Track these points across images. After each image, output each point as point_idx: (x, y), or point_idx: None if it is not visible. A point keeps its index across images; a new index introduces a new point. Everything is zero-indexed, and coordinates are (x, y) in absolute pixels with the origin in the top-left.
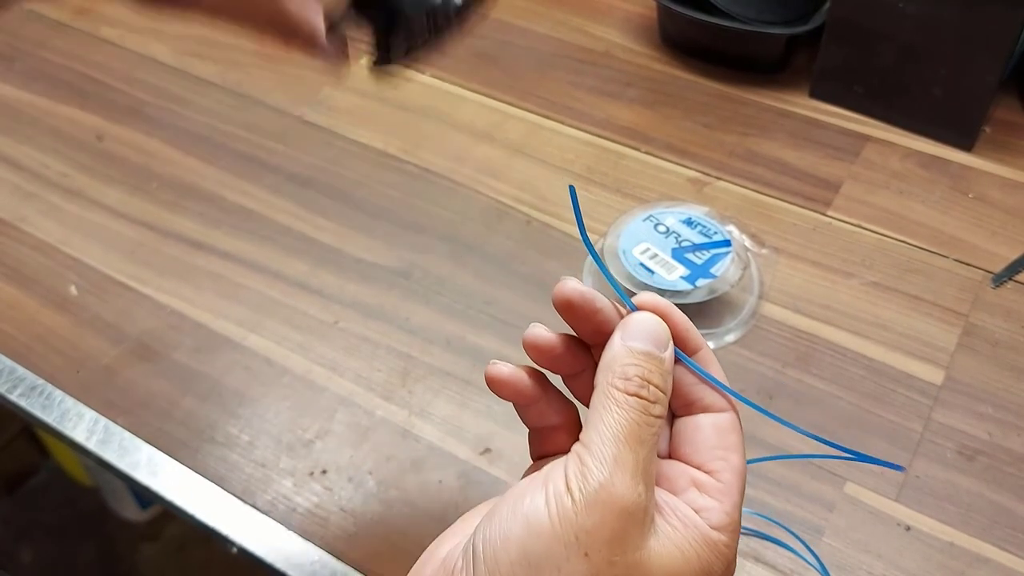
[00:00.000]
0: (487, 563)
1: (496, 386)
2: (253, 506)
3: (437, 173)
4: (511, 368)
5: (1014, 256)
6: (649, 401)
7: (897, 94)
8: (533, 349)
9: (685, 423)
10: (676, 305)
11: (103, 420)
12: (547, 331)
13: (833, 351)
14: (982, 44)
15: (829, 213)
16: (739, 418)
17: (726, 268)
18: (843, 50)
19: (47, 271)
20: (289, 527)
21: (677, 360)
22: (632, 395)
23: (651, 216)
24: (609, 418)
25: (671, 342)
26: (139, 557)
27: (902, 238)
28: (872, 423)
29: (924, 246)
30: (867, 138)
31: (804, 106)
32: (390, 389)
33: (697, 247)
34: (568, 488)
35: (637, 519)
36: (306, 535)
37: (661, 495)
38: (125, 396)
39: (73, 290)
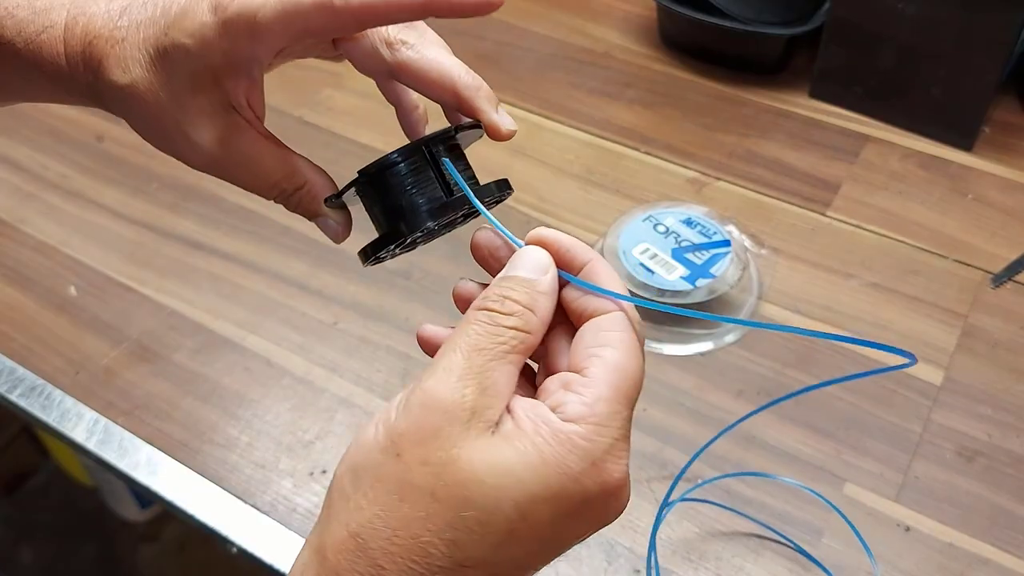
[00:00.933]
0: (334, 482)
1: (424, 345)
2: (253, 506)
3: None
4: (439, 328)
5: (1013, 256)
6: (500, 312)
7: (897, 94)
8: (461, 300)
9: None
10: (676, 305)
11: (103, 420)
12: (473, 283)
13: (833, 351)
14: (981, 45)
15: (829, 213)
16: (628, 317)
17: (726, 268)
18: (843, 50)
19: (47, 272)
20: (289, 527)
21: (565, 282)
22: (480, 309)
23: (651, 216)
24: (454, 336)
25: (551, 266)
26: (139, 557)
27: (902, 238)
28: (872, 424)
29: (924, 247)
30: (867, 138)
31: (804, 106)
32: (390, 389)
33: (697, 247)
34: (395, 401)
35: (457, 419)
36: (306, 535)
37: (519, 402)
38: (125, 397)
39: (73, 291)
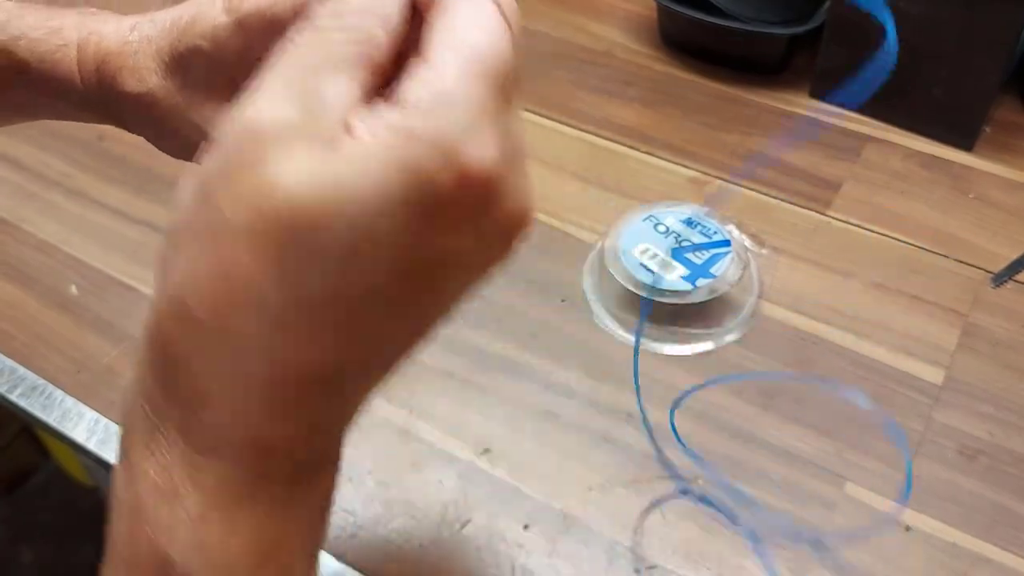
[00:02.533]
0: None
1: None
2: None
3: None
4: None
5: (1014, 256)
6: (327, 23)
7: (898, 94)
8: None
9: None
10: (676, 305)
11: (103, 420)
12: None
13: (833, 351)
14: (983, 44)
15: (829, 213)
16: None
17: (726, 268)
18: (843, 50)
19: (48, 271)
20: None
21: None
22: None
23: (651, 216)
24: (271, 58)
25: None
26: None
27: (902, 238)
28: (873, 423)
29: (924, 246)
30: (867, 138)
31: (804, 106)
32: (390, 389)
33: (697, 247)
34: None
35: (274, 141)
36: None
37: (357, 113)
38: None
39: (74, 290)
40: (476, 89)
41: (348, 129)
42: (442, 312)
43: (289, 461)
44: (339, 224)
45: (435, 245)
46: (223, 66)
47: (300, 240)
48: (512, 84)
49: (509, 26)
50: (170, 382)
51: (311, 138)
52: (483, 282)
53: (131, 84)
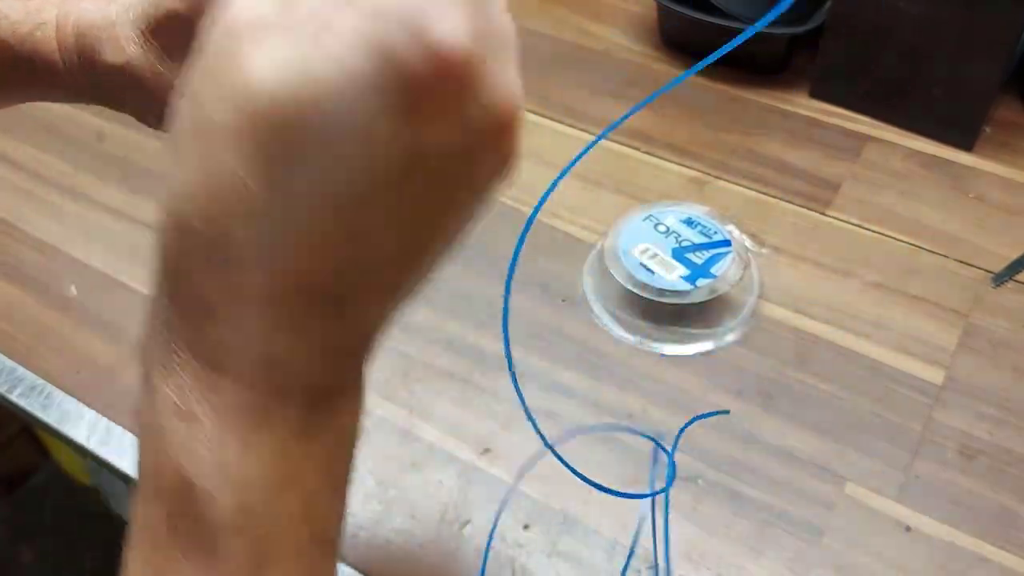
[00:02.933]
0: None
1: None
2: None
3: None
4: None
5: (1015, 256)
6: None
7: (898, 94)
8: None
9: None
10: (676, 305)
11: (103, 420)
12: None
13: (833, 351)
14: (983, 44)
15: (829, 213)
16: None
17: (726, 268)
18: (843, 50)
19: (47, 271)
20: None
21: None
22: None
23: (651, 216)
24: None
25: None
26: None
27: (902, 238)
28: (872, 423)
29: (924, 246)
30: (867, 138)
31: (804, 106)
32: (390, 389)
33: (697, 247)
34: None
35: (243, 36)
36: None
37: None
38: (125, 396)
39: (73, 290)
40: None
41: (322, 17)
42: (442, 227)
43: (300, 384)
44: (313, 115)
45: (417, 139)
46: (201, 30)
47: (279, 135)
48: None
49: None
50: (178, 297)
51: (286, 30)
52: (483, 198)
53: (110, 55)
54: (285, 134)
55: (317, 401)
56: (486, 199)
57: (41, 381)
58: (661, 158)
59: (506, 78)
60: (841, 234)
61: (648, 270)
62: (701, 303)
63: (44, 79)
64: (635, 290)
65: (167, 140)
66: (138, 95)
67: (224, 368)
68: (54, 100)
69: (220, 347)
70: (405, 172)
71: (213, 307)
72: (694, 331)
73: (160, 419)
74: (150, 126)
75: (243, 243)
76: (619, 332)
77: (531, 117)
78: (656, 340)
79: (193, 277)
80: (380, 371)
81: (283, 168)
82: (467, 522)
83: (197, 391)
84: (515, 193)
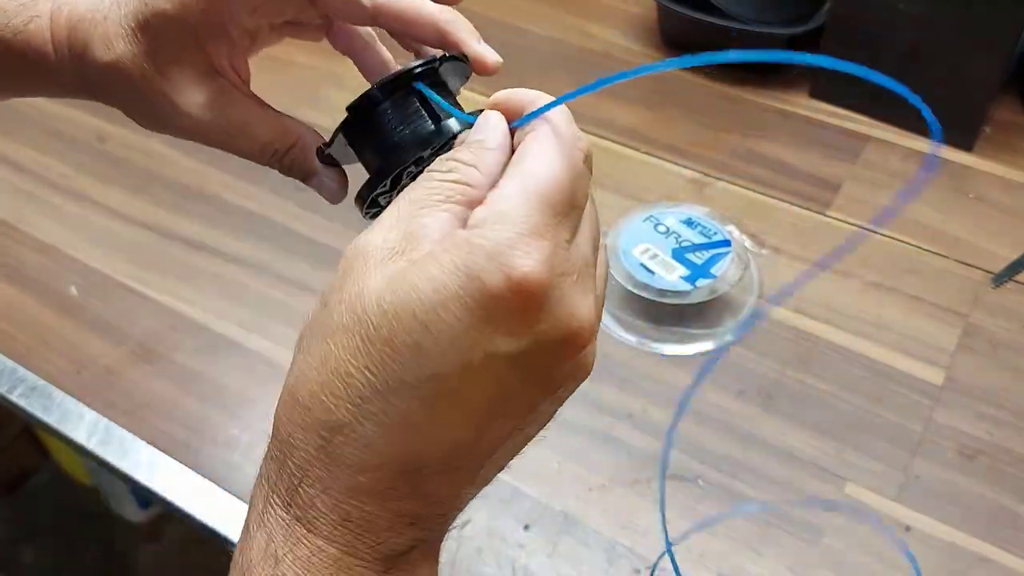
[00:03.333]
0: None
1: None
2: None
3: None
4: None
5: (1014, 256)
6: (439, 171)
7: (898, 95)
8: None
9: None
10: (676, 305)
11: (104, 421)
12: None
13: (833, 351)
14: (982, 44)
15: (829, 213)
16: (551, 124)
17: (726, 268)
18: (843, 50)
19: (48, 272)
20: None
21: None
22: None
23: (651, 216)
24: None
25: (500, 122)
26: (139, 557)
27: (902, 238)
28: (873, 423)
29: (924, 246)
30: (867, 138)
31: (804, 106)
32: None
33: (697, 247)
34: None
35: (376, 259)
36: None
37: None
38: (126, 397)
39: (73, 291)
40: (529, 209)
41: (435, 252)
42: (517, 422)
43: (376, 545)
44: (405, 317)
45: (494, 344)
46: (188, 29)
47: (379, 333)
48: (568, 204)
49: (570, 157)
50: (280, 459)
51: (405, 256)
52: (556, 400)
53: (100, 51)
54: (383, 332)
55: (392, 558)
56: (558, 401)
57: (41, 381)
58: (661, 159)
59: (574, 301)
60: (841, 234)
61: (648, 270)
62: (701, 303)
63: (36, 72)
64: (635, 290)
65: (300, 334)
66: (126, 92)
67: (309, 524)
68: (46, 95)
69: (308, 506)
70: (483, 370)
71: (306, 471)
72: (694, 331)
73: (250, 558)
74: (138, 123)
75: (337, 419)
76: (619, 332)
77: None
78: (656, 340)
79: (293, 442)
80: None
81: (380, 360)
82: (467, 522)
83: (284, 540)
84: None
